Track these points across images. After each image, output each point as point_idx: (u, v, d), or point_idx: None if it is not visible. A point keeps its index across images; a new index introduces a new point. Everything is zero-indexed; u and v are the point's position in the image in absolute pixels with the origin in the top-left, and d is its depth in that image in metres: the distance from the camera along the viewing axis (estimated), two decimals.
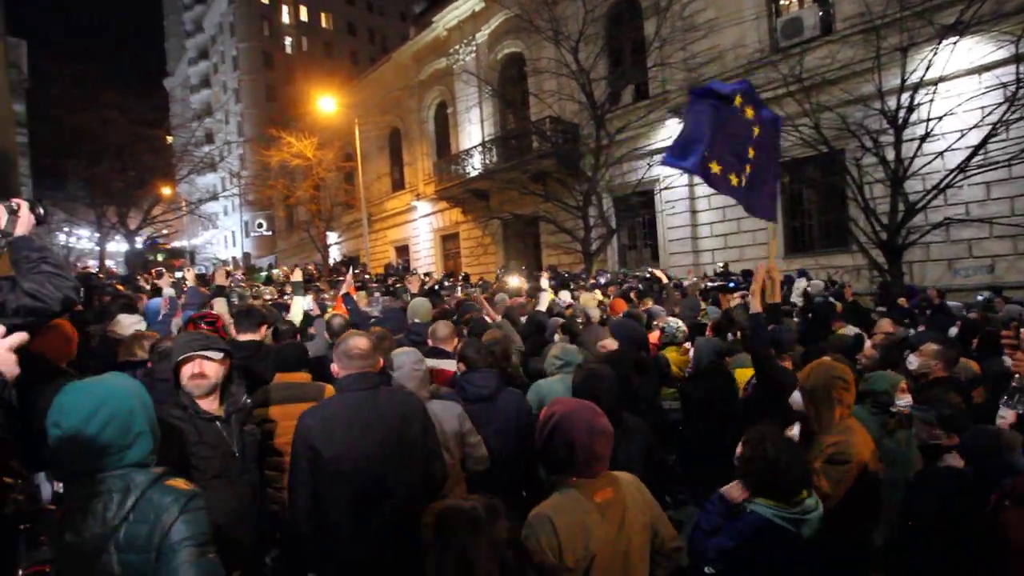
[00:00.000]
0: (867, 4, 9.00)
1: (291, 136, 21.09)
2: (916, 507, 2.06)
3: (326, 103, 19.94)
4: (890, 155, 8.59)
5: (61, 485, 1.04)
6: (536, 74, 14.27)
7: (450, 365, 3.16)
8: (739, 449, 1.87)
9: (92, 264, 20.11)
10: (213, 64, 47.72)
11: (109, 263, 18.32)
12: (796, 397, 2.45)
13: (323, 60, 42.46)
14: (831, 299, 6.66)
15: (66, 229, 26.62)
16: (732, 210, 12.30)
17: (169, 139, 21.83)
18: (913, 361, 3.17)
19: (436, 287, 8.64)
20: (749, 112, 3.64)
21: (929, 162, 8.43)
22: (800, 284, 7.11)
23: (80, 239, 28.04)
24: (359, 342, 2.19)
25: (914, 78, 8.30)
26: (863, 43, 9.42)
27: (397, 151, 23.10)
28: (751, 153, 3.61)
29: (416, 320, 4.28)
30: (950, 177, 8.22)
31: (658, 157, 12.86)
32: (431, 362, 3.11)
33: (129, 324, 3.83)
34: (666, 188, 12.86)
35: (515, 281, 9.03)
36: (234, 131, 42.53)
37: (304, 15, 43.78)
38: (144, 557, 1.20)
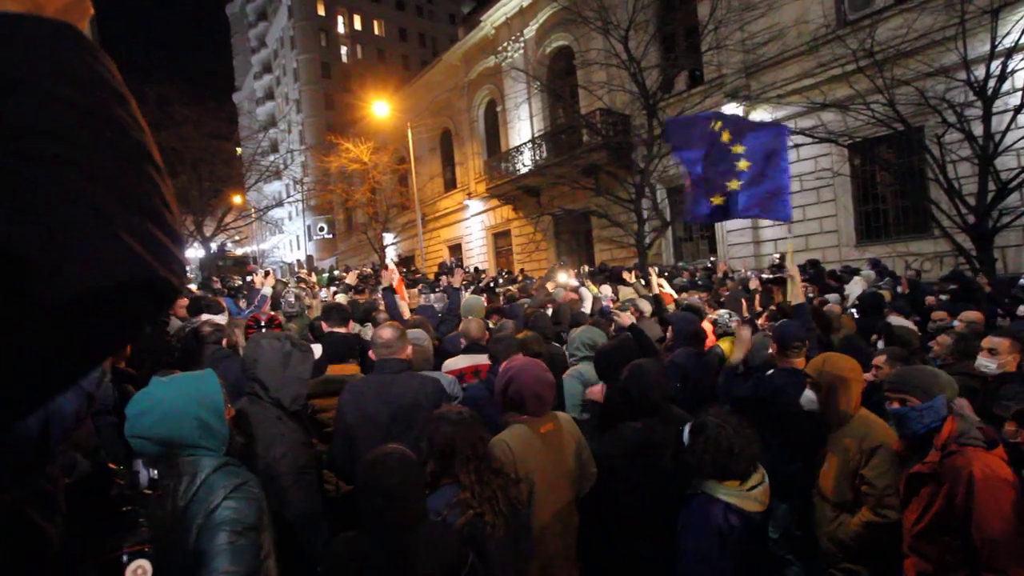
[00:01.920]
0: None
1: (348, 142, 21.95)
2: None
3: (380, 108, 20.59)
4: (977, 130, 7.83)
5: (156, 472, 1.16)
6: (585, 66, 14.08)
7: (485, 360, 3.32)
8: (687, 438, 1.97)
9: None
10: (276, 77, 50.44)
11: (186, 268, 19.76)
12: (807, 396, 2.47)
13: (376, 66, 43.90)
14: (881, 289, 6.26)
15: None
16: (796, 197, 11.58)
17: (239, 150, 23.27)
18: (989, 364, 2.83)
19: (492, 284, 8.75)
20: (726, 136, 4.02)
21: None
22: (855, 285, 6.67)
23: None
24: (384, 333, 2.58)
25: (1006, 43, 7.53)
26: (944, 9, 8.63)
27: (449, 152, 23.52)
28: (742, 165, 3.95)
29: (471, 317, 4.37)
30: None
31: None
32: (465, 359, 3.31)
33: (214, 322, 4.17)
34: None
35: (563, 277, 9.05)
36: (296, 140, 44.77)
37: (358, 24, 45.41)
38: (200, 535, 1.28)
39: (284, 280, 10.90)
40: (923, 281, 7.63)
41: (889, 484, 2.10)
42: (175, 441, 1.38)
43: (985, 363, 2.85)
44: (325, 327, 3.64)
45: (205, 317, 4.13)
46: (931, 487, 1.84)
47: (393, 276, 4.67)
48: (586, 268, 13.20)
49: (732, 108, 12.31)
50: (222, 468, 1.39)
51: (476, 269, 11.00)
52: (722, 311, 4.68)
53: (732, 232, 12.87)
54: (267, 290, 5.04)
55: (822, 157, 10.94)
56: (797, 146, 10.51)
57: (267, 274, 5.35)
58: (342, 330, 3.52)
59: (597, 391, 2.85)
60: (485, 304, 4.78)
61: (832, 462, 2.33)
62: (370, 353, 2.64)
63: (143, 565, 0.90)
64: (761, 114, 11.95)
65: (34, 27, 0.44)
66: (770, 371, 3.17)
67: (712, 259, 10.76)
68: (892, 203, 10.71)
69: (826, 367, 2.38)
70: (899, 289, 6.76)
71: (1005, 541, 1.65)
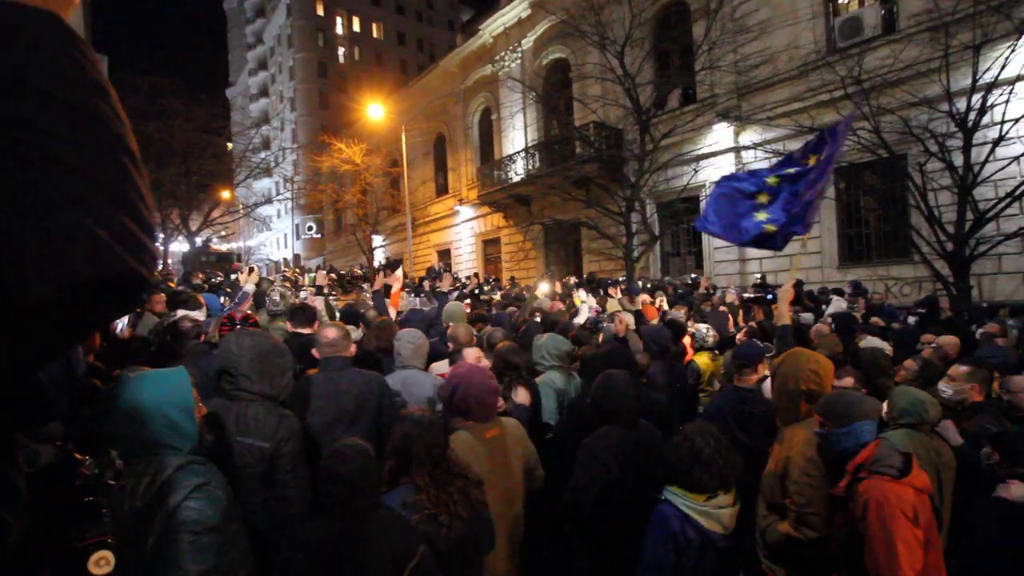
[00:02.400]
0: (935, 0, 8.52)
1: (341, 143, 21.87)
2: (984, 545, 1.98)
3: (375, 111, 20.58)
4: (958, 160, 8.05)
5: (121, 462, 1.14)
6: (581, 79, 14.25)
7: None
8: (673, 440, 1.99)
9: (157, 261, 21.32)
10: (271, 74, 50.20)
11: (168, 262, 19.60)
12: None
13: (373, 69, 43.90)
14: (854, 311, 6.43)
15: None
16: None
17: (229, 146, 23.07)
18: (946, 389, 2.89)
19: (476, 291, 8.77)
20: (812, 160, 3.85)
21: (1003, 167, 7.88)
22: (835, 305, 6.84)
23: None
24: (328, 332, 2.66)
25: (987, 77, 7.78)
26: (929, 42, 8.90)
27: (442, 157, 23.55)
28: (762, 198, 3.94)
29: (452, 323, 4.31)
30: None
31: (705, 162, 12.60)
32: (443, 364, 3.31)
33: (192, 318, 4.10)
34: None
35: (545, 287, 9.17)
36: (289, 138, 44.54)
37: (356, 26, 45.45)
38: (162, 535, 1.26)
39: (270, 278, 10.81)
40: (887, 305, 7.80)
41: (810, 502, 2.05)
42: (141, 439, 1.36)
43: (943, 388, 2.91)
44: (290, 327, 3.57)
45: (182, 313, 4.06)
46: (842, 510, 1.87)
47: (397, 282, 4.68)
48: (573, 279, 13.27)
49: (723, 128, 12.54)
50: (185, 467, 1.36)
51: (455, 277, 10.89)
52: (700, 326, 4.73)
53: (719, 249, 13.02)
54: (249, 287, 4.96)
55: None
56: None
57: (251, 271, 5.31)
58: (307, 331, 3.46)
59: None
60: (467, 311, 4.77)
61: (770, 461, 2.32)
62: (313, 351, 2.70)
63: (106, 556, 0.89)
64: (751, 135, 12.17)
65: (17, 16, 0.43)
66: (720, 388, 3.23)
67: (694, 275, 10.88)
68: (875, 227, 10.93)
69: (786, 362, 2.33)
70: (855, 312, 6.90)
71: (888, 569, 1.68)
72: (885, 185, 10.05)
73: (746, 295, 8.34)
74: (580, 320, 5.76)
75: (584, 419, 2.63)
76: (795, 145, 10.73)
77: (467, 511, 1.85)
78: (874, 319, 6.28)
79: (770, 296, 7.38)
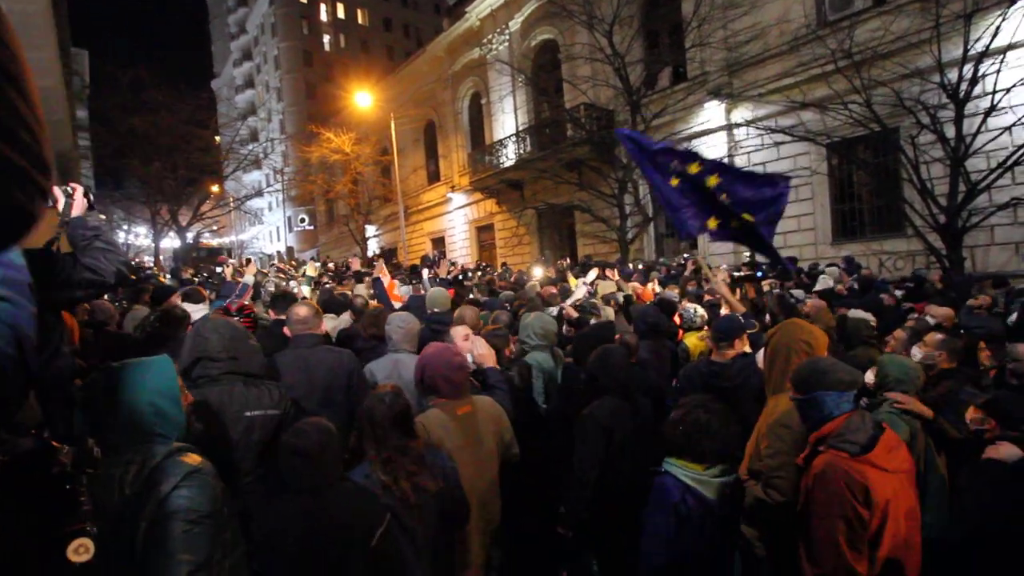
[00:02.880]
0: None
1: (330, 132, 21.64)
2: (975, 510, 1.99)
3: (362, 99, 20.34)
4: (950, 132, 8.04)
5: (99, 451, 1.12)
6: (570, 60, 14.08)
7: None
8: (673, 414, 2.01)
9: (147, 259, 21.26)
10: (256, 65, 49.40)
11: (160, 258, 19.53)
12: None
13: (360, 56, 43.26)
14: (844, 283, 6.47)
15: (124, 227, 28.39)
16: None
17: (217, 139, 22.80)
18: (916, 353, 3.07)
19: (460, 277, 8.76)
20: (694, 168, 4.00)
21: (994, 138, 7.85)
22: (822, 282, 6.89)
23: (138, 236, 29.90)
24: (299, 310, 2.74)
25: (978, 47, 7.72)
26: (920, 12, 8.84)
27: (432, 144, 23.34)
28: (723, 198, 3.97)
29: (436, 309, 4.28)
30: (1019, 154, 7.63)
31: (697, 141, 12.53)
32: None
33: (195, 311, 4.09)
34: None
35: (539, 271, 9.26)
36: (276, 129, 43.97)
37: (341, 12, 44.65)
38: (147, 525, 1.24)
39: (264, 271, 10.78)
40: (879, 280, 7.83)
41: (781, 465, 2.08)
42: (128, 428, 1.35)
43: (914, 352, 3.07)
44: (272, 315, 3.61)
45: (187, 306, 4.01)
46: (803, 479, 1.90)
47: (384, 274, 4.67)
48: (567, 262, 13.30)
49: (714, 106, 12.45)
50: (174, 454, 1.34)
51: (452, 263, 10.85)
52: (689, 305, 4.73)
53: None
54: (249, 279, 5.02)
55: (801, 156, 11.12)
56: (777, 144, 10.68)
57: (248, 262, 5.30)
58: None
59: None
60: (451, 296, 4.78)
61: (755, 429, 2.35)
62: (285, 329, 2.79)
63: (85, 543, 0.88)
64: (743, 112, 12.10)
65: None
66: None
67: (686, 255, 10.89)
68: (868, 202, 10.94)
69: (780, 332, 2.34)
70: (844, 286, 6.92)
71: (823, 545, 1.71)
72: (878, 159, 10.04)
73: (736, 273, 8.36)
74: (577, 297, 5.82)
75: (577, 398, 2.67)
76: (786, 122, 10.78)
77: (431, 483, 1.90)
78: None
79: (759, 274, 7.43)
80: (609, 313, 4.89)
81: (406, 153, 22.72)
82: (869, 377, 2.75)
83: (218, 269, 8.13)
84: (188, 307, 4.07)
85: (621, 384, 2.52)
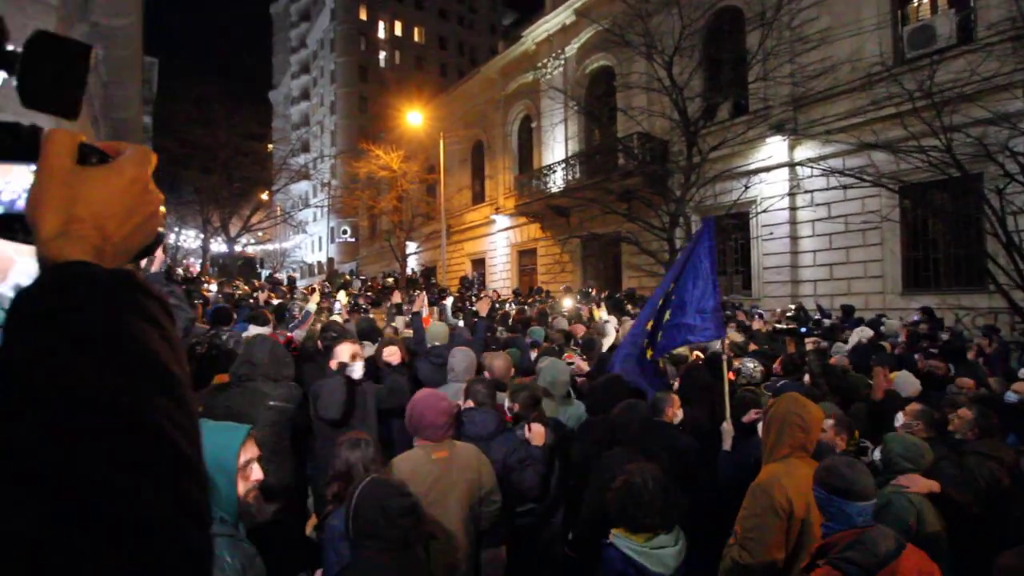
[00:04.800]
0: (1020, 8, 8.13)
1: (379, 149, 22.45)
2: None
3: (414, 117, 21.04)
4: None
5: None
6: (625, 89, 14.19)
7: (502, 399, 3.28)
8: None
9: (194, 263, 22.45)
10: (313, 78, 52.08)
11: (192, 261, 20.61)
12: None
13: (414, 73, 44.90)
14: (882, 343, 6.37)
15: (176, 230, 30.17)
16: (840, 238, 11.50)
17: (270, 147, 24.05)
18: (899, 419, 3.33)
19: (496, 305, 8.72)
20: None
21: None
22: (861, 333, 6.59)
23: (187, 239, 31.69)
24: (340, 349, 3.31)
25: None
26: (1011, 54, 8.50)
27: (479, 164, 23.83)
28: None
29: (436, 343, 4.39)
30: None
31: (756, 178, 12.32)
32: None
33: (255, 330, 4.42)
34: (764, 211, 12.26)
35: (568, 303, 9.18)
36: (327, 141, 46.01)
37: (399, 30, 46.70)
38: None
39: (292, 294, 10.89)
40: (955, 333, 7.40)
41: (755, 527, 2.12)
42: None
43: (898, 417, 3.34)
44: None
45: (255, 329, 4.13)
46: None
47: (424, 305, 4.78)
48: (604, 294, 13.24)
49: (777, 141, 12.25)
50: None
51: (495, 303, 10.61)
52: (747, 360, 4.59)
53: (769, 270, 12.69)
54: (312, 306, 5.30)
55: (870, 199, 10.75)
56: (845, 187, 10.38)
57: (312, 291, 5.57)
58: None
59: None
60: (448, 331, 4.82)
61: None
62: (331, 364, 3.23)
63: None
64: (807, 150, 11.84)
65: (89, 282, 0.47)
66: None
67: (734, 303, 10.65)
68: (944, 251, 10.43)
69: (776, 405, 2.43)
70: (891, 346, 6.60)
71: None
72: (956, 206, 9.59)
73: (777, 325, 8.07)
74: (607, 343, 5.72)
75: (594, 447, 2.89)
76: (854, 162, 10.49)
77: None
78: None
79: (804, 329, 7.13)
80: None
81: (452, 172, 23.27)
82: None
83: (254, 294, 8.55)
84: (253, 328, 4.33)
85: (635, 440, 2.76)
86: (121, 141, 0.56)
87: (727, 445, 3.19)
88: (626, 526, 1.99)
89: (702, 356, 5.04)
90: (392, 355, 3.80)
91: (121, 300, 0.46)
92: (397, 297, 6.15)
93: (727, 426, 3.27)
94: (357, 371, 3.18)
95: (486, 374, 3.64)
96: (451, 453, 2.52)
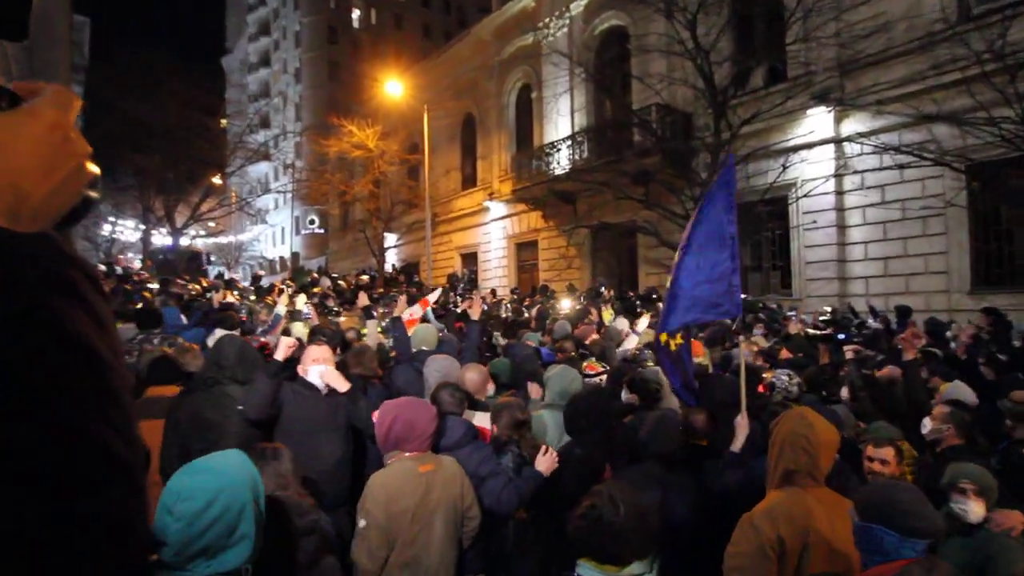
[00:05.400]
0: None
1: (352, 124, 22.30)
2: None
3: (392, 87, 20.92)
4: None
5: None
6: (641, 53, 14.09)
7: (485, 421, 3.41)
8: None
9: (133, 258, 22.28)
10: (274, 40, 51.87)
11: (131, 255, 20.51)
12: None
13: (392, 34, 44.79)
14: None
15: (112, 219, 29.93)
16: (896, 227, 11.43)
17: (223, 122, 23.90)
18: (926, 424, 3.48)
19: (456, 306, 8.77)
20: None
21: None
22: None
23: (125, 231, 31.46)
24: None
25: None
26: None
27: (470, 143, 23.73)
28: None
29: (424, 348, 4.59)
30: None
31: (796, 156, 12.25)
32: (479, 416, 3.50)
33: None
34: (806, 196, 12.18)
35: (567, 305, 9.31)
36: (291, 116, 45.85)
37: None
38: None
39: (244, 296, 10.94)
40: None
41: (739, 568, 2.19)
42: (212, 550, 1.39)
43: (925, 422, 3.53)
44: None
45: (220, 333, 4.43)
46: None
47: (403, 308, 4.81)
48: (606, 290, 13.21)
49: (820, 113, 12.17)
50: None
51: (487, 303, 10.47)
52: (781, 372, 4.54)
53: (812, 264, 12.62)
54: (281, 309, 5.47)
55: (931, 180, 10.69)
56: (901, 167, 10.31)
57: (279, 292, 5.69)
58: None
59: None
60: (436, 334, 4.96)
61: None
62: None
63: None
64: (856, 123, 11.77)
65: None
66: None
67: (763, 302, 10.60)
68: (1021, 243, 10.37)
69: (781, 423, 2.46)
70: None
71: None
72: None
73: (810, 331, 8.05)
74: (628, 348, 5.80)
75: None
76: (912, 137, 10.43)
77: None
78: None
79: (842, 336, 7.10)
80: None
81: (439, 152, 23.16)
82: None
83: (207, 294, 8.70)
84: (218, 331, 4.65)
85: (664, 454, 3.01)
86: (39, 82, 0.54)
87: (738, 444, 3.22)
88: (593, 556, 2.07)
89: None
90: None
91: (40, 273, 0.45)
92: (364, 299, 6.14)
93: (742, 420, 3.29)
94: (314, 375, 3.36)
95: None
96: (436, 466, 2.70)
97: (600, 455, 3.09)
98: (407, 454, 2.68)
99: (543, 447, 3.08)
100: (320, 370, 3.35)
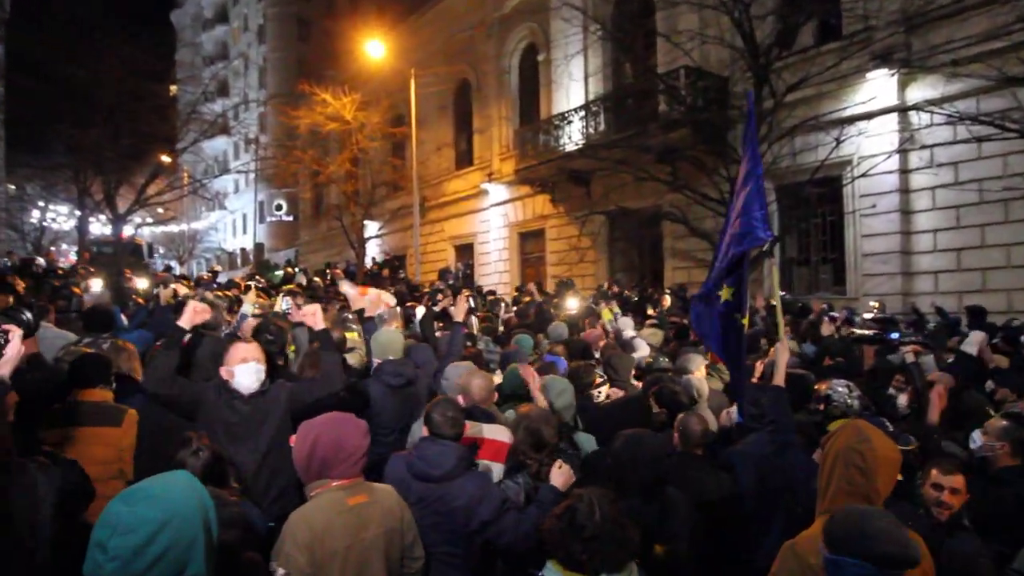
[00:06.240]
0: None
1: (326, 92, 22.26)
2: None
3: (374, 48, 20.84)
4: None
5: None
6: (669, 7, 14.03)
7: (501, 434, 3.55)
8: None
9: (68, 249, 22.22)
10: None
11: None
12: None
13: None
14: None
15: (41, 204, 29.88)
16: (972, 212, 11.39)
17: (173, 89, 23.86)
18: (976, 439, 3.55)
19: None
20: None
21: None
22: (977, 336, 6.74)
23: (58, 217, 31.44)
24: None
25: None
26: None
27: (465, 114, 23.75)
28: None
29: (389, 357, 4.59)
30: None
31: (853, 128, 12.19)
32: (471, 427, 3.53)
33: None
34: (864, 175, 12.12)
35: (573, 302, 9.49)
36: (254, 82, 45.86)
37: None
38: None
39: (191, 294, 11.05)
40: None
41: None
42: None
43: (975, 436, 3.61)
44: None
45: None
46: None
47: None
48: (609, 287, 13.26)
49: (882, 76, 12.10)
50: None
51: (473, 303, 10.41)
52: (837, 383, 4.51)
53: (870, 257, 12.56)
54: (247, 308, 5.62)
55: (1016, 156, 10.63)
56: (979, 140, 10.25)
57: (247, 289, 5.88)
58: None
59: None
60: (402, 339, 5.00)
61: None
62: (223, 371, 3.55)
63: None
64: (925, 88, 11.72)
65: None
66: None
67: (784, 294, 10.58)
68: None
69: (835, 438, 2.52)
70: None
71: None
72: None
73: (856, 330, 8.10)
74: (642, 353, 6.02)
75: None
76: (992, 104, 10.37)
77: None
78: None
79: (895, 335, 7.24)
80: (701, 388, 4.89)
81: (428, 125, 23.16)
82: None
83: (155, 290, 8.81)
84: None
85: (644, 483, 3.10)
86: None
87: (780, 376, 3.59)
88: (562, 561, 2.21)
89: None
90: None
91: None
92: (348, 288, 6.21)
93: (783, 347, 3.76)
94: (243, 376, 3.50)
95: (460, 398, 3.74)
96: (370, 496, 2.64)
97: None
98: (334, 483, 2.60)
99: (556, 461, 3.18)
100: (249, 370, 3.51)
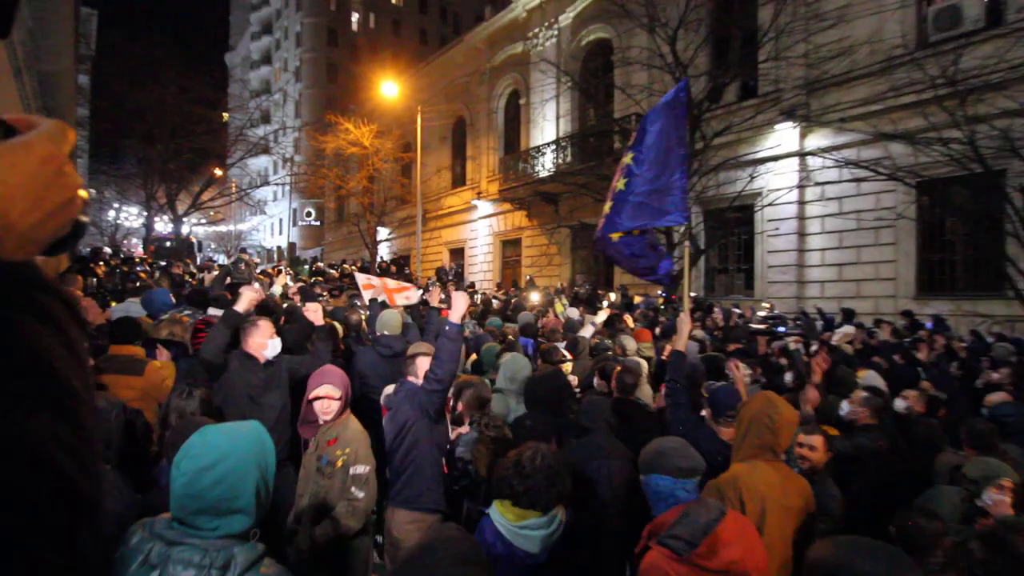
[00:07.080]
0: None
1: (349, 122, 22.04)
2: None
3: (388, 88, 20.70)
4: None
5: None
6: (624, 65, 14.10)
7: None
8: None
9: (136, 243, 21.83)
10: (275, 40, 51.01)
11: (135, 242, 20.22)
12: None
13: (390, 38, 44.29)
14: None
15: (116, 206, 29.45)
16: (851, 235, 11.60)
17: (225, 116, 23.49)
18: (844, 407, 3.74)
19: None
20: (627, 158, 4.35)
21: None
22: (846, 330, 7.03)
23: (129, 217, 31.02)
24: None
25: None
26: None
27: (460, 144, 23.62)
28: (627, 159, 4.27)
29: (386, 332, 4.58)
30: None
31: (763, 167, 12.36)
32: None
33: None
34: (770, 204, 12.30)
35: (536, 297, 9.45)
36: (291, 112, 45.18)
37: None
38: None
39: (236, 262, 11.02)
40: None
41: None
42: (215, 510, 1.36)
43: (843, 405, 3.77)
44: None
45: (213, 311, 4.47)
46: None
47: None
48: (562, 284, 13.33)
49: (787, 128, 12.30)
50: (254, 568, 1.33)
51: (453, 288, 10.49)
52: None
53: (773, 268, 12.77)
54: (277, 289, 5.57)
55: (885, 194, 10.87)
56: (858, 180, 10.47)
57: (278, 273, 5.80)
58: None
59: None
60: (401, 319, 4.85)
61: None
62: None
63: None
64: (819, 139, 11.92)
65: None
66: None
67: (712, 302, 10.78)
68: (962, 254, 10.60)
69: (750, 404, 2.59)
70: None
71: None
72: (977, 205, 9.73)
73: (751, 325, 8.24)
74: (585, 334, 5.92)
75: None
76: (870, 153, 10.58)
77: None
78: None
79: (782, 329, 7.34)
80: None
81: (430, 151, 23.02)
82: None
83: (200, 274, 8.67)
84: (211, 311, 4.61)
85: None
86: (36, 115, 0.53)
87: (682, 343, 3.42)
88: (507, 498, 2.17)
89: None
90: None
91: (13, 297, 0.43)
92: (363, 280, 6.11)
93: (685, 318, 3.56)
94: (271, 349, 3.53)
95: (410, 378, 3.45)
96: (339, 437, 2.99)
97: (548, 427, 3.01)
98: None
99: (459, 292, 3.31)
100: (276, 344, 3.55)
